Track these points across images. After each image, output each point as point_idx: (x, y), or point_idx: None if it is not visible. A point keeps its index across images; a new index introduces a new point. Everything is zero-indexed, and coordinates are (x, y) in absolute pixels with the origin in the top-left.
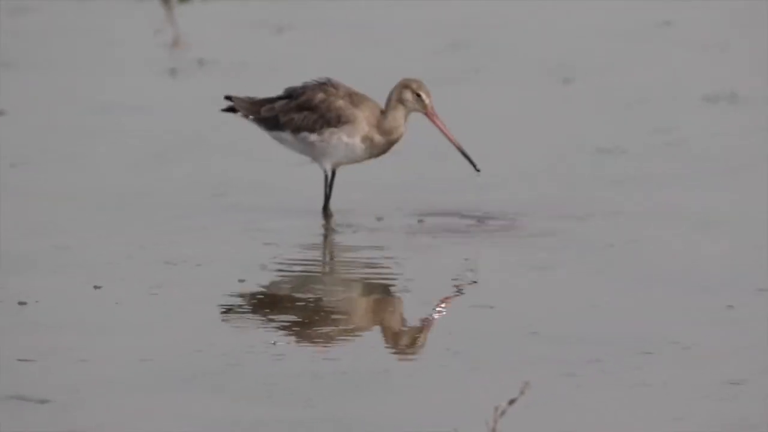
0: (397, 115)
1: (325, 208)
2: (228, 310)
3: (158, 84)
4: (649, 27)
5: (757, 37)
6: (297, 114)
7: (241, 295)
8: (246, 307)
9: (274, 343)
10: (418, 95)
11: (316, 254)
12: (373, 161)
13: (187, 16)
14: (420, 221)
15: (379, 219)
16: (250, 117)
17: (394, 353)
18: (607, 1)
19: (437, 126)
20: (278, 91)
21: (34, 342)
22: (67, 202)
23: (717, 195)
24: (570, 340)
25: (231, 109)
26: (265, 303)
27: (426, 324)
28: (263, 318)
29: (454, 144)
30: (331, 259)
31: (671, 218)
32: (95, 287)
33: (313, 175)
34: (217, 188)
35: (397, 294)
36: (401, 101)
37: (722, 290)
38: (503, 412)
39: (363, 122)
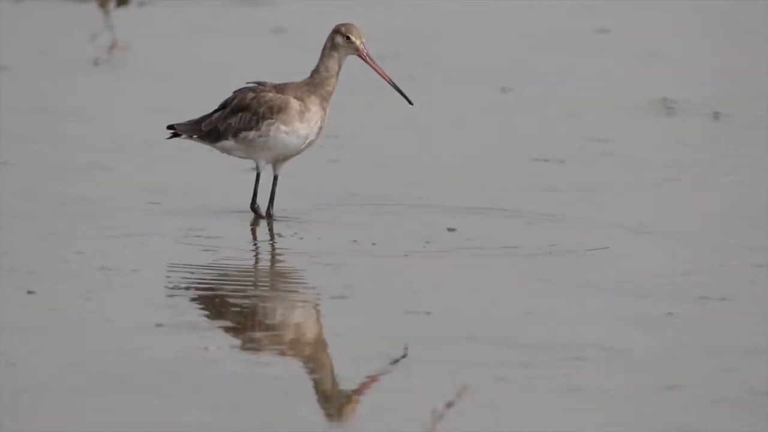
0: (331, 63)
1: (269, 212)
2: (162, 315)
3: (94, 88)
4: (586, 35)
5: (692, 45)
6: (233, 118)
7: (176, 301)
8: (180, 312)
9: (206, 348)
10: (348, 38)
11: (254, 260)
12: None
13: (124, 21)
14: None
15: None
16: (194, 136)
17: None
18: (543, 9)
19: (370, 65)
20: (212, 96)
21: None
22: (1, 207)
23: (656, 203)
24: (504, 345)
25: (175, 135)
26: (200, 308)
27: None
28: (197, 323)
29: (388, 81)
30: (270, 264)
31: (610, 226)
32: (29, 292)
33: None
34: (156, 194)
35: (333, 300)
36: (334, 47)
37: (662, 297)
38: (441, 416)
39: (293, 102)
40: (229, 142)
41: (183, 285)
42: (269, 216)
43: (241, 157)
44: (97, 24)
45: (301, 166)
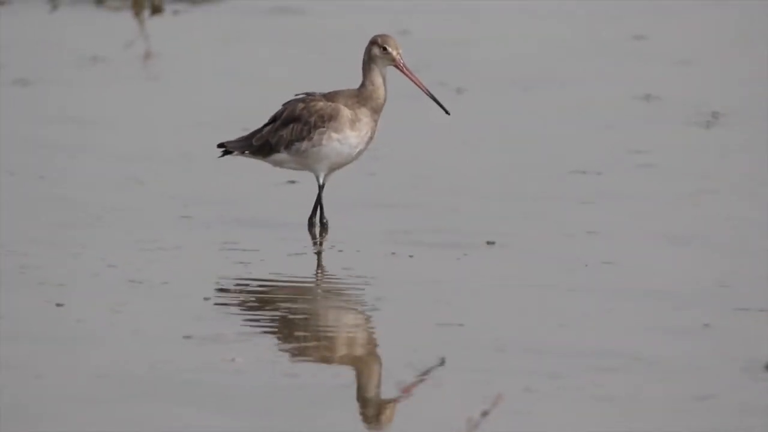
0: (374, 76)
1: (311, 220)
2: (190, 327)
3: (129, 98)
4: (622, 41)
5: (731, 52)
6: (284, 130)
7: (206, 313)
8: (209, 324)
9: (233, 360)
10: (384, 49)
11: (288, 272)
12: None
13: (159, 29)
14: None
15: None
16: (246, 152)
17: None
18: (579, 15)
19: (407, 75)
20: (247, 106)
21: None
22: (35, 218)
23: (694, 214)
24: (535, 355)
25: (227, 152)
26: (230, 321)
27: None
28: (225, 335)
29: (425, 91)
30: (305, 276)
31: (647, 237)
32: (57, 305)
33: (291, 192)
34: (190, 206)
35: (365, 312)
36: (372, 59)
37: (699, 308)
38: (477, 424)
39: (344, 110)
40: (282, 155)
41: (214, 297)
42: (322, 224)
43: (294, 169)
44: (132, 32)
45: (340, 176)
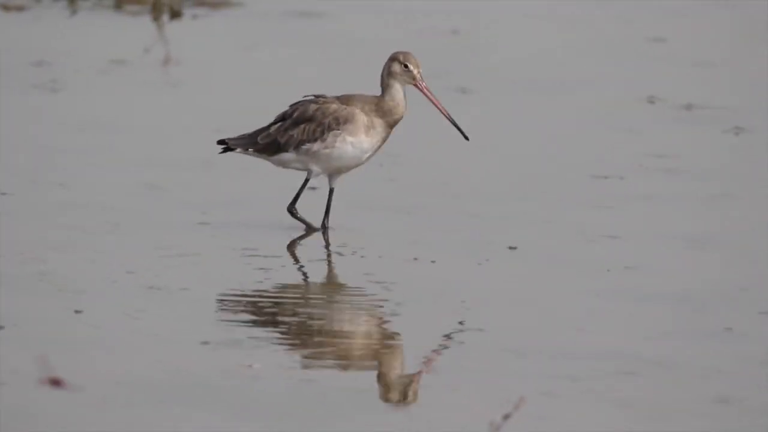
0: (394, 92)
1: (324, 224)
2: (208, 333)
3: (148, 102)
4: (641, 43)
5: (750, 55)
6: (295, 129)
7: (224, 319)
8: (227, 330)
9: (250, 366)
10: (406, 66)
11: (308, 277)
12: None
13: (178, 33)
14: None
15: (374, 242)
16: (249, 150)
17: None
18: (597, 17)
19: (426, 96)
20: (267, 110)
21: (5, 365)
22: (55, 224)
23: (715, 217)
24: (555, 359)
25: (227, 149)
26: (248, 326)
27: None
28: (243, 341)
29: (445, 114)
30: (325, 282)
31: (668, 240)
32: (76, 311)
33: (311, 198)
34: (209, 212)
35: (385, 318)
36: (391, 75)
37: (720, 312)
38: (499, 427)
39: (360, 115)
40: (289, 155)
41: (232, 303)
42: (324, 228)
43: (297, 169)
44: (151, 37)
45: (361, 182)
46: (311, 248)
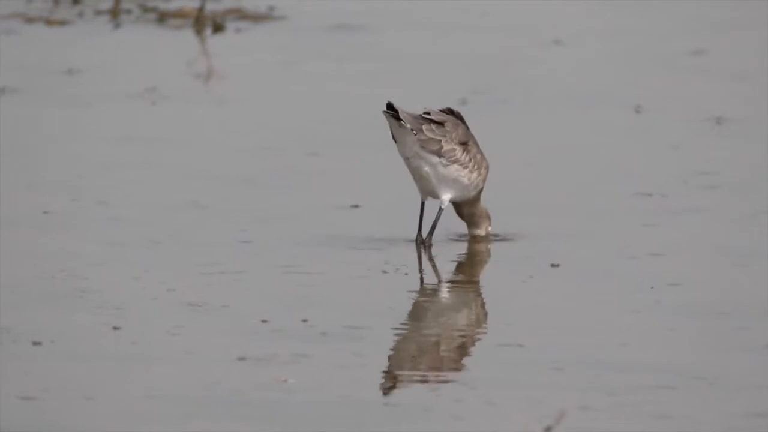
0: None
1: (428, 238)
2: (246, 348)
3: (190, 117)
4: (682, 56)
5: None
6: (457, 145)
7: (263, 335)
8: (265, 346)
9: (285, 381)
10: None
11: (350, 295)
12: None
13: (221, 47)
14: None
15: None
16: (414, 132)
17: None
18: (637, 30)
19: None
20: (309, 127)
21: (39, 381)
22: (96, 241)
23: (758, 233)
24: (593, 373)
25: (395, 117)
26: (287, 343)
27: None
28: (280, 357)
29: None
30: (366, 300)
31: (712, 256)
32: (114, 328)
33: (353, 216)
34: (252, 230)
35: (420, 334)
36: (489, 219)
37: (763, 327)
38: None
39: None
40: (438, 161)
41: (273, 320)
42: (427, 245)
43: (412, 169)
44: (194, 51)
45: (404, 198)
46: (353, 265)
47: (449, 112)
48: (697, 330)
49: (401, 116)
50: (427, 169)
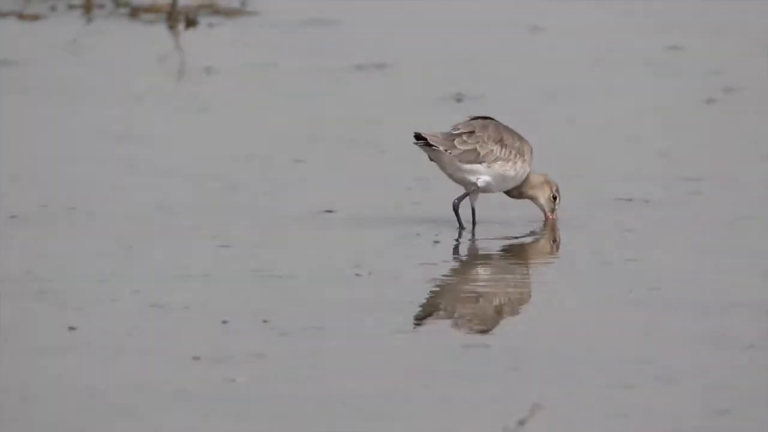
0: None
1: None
2: (201, 348)
3: (166, 114)
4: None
5: None
6: (494, 146)
7: (223, 335)
8: (222, 346)
9: (233, 380)
10: (555, 198)
11: (326, 293)
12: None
13: (194, 42)
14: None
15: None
16: (449, 152)
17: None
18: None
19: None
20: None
21: None
22: (66, 243)
23: (736, 240)
24: (587, 367)
25: (426, 144)
26: (244, 342)
27: None
28: (235, 357)
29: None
30: (338, 300)
31: (693, 264)
32: (70, 328)
33: (326, 220)
34: (225, 236)
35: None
36: (540, 189)
37: (742, 322)
38: None
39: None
40: (480, 167)
41: (234, 321)
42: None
43: (457, 181)
44: (166, 45)
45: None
46: (329, 268)
47: (474, 118)
48: (679, 329)
49: (431, 141)
50: (472, 179)
